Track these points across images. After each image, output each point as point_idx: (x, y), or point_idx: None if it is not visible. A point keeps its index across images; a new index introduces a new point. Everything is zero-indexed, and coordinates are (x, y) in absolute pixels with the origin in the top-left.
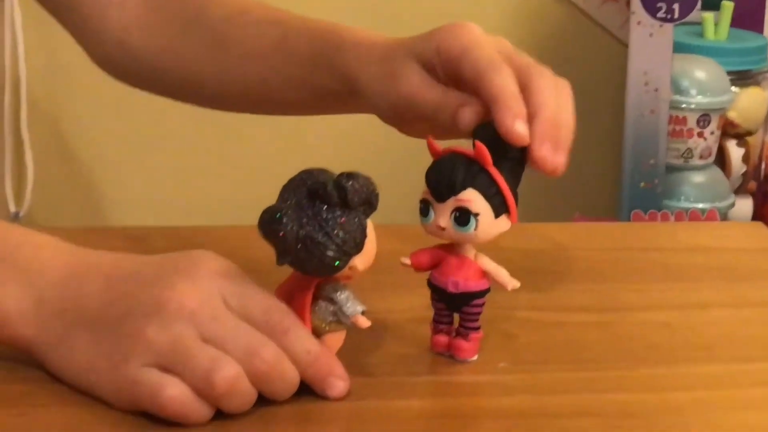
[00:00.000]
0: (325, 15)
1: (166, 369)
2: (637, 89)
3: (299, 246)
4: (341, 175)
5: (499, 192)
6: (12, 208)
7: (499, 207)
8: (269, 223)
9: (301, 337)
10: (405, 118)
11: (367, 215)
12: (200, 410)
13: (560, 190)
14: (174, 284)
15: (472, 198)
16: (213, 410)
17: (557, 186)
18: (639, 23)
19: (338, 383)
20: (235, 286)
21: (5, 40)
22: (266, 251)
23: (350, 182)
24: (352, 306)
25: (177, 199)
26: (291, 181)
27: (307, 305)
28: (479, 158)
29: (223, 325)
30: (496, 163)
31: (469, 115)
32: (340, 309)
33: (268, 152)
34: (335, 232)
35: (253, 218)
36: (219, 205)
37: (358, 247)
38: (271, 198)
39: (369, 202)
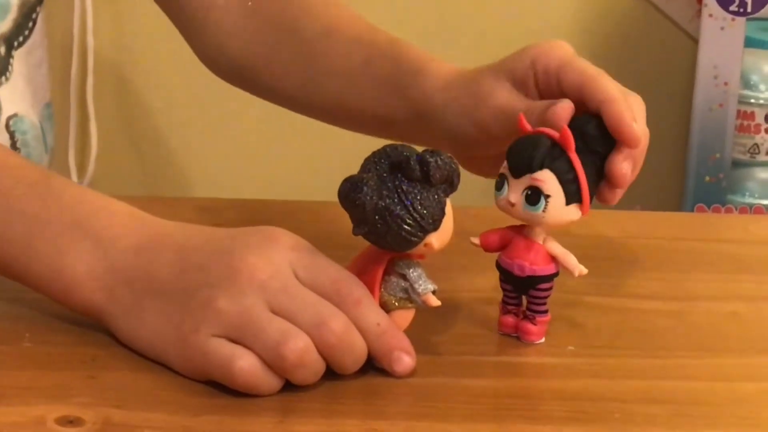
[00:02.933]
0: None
1: (235, 340)
2: (706, 82)
3: (377, 217)
4: (425, 151)
5: (575, 179)
6: (74, 179)
7: (573, 195)
8: (350, 191)
9: (372, 309)
10: (491, 133)
11: (447, 194)
12: (270, 381)
13: None
14: (245, 257)
15: (547, 179)
16: (282, 381)
17: None
18: (711, 16)
19: (405, 358)
20: (306, 258)
21: (75, 13)
22: (334, 226)
23: (434, 158)
24: (424, 284)
25: (243, 172)
26: (374, 153)
27: (378, 279)
28: (563, 142)
29: (293, 297)
30: (580, 155)
31: (560, 112)
32: (412, 286)
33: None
34: (414, 206)
35: (321, 194)
36: (283, 180)
37: (436, 224)
38: (340, 173)
39: (450, 181)
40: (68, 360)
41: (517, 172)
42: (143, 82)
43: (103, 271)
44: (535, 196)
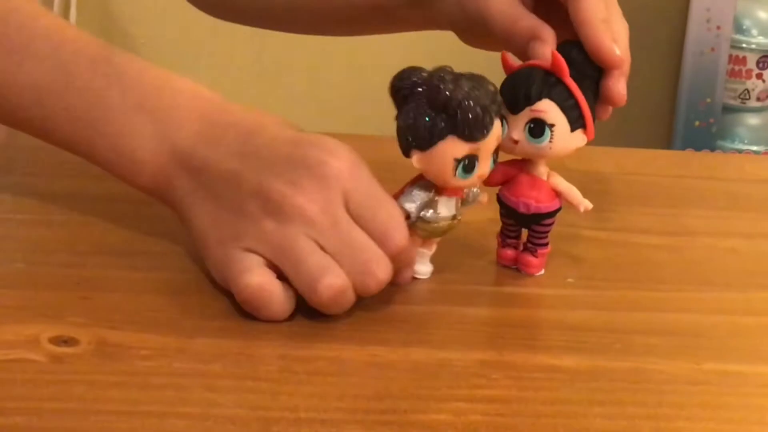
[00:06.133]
0: None
1: (273, 264)
2: (698, 26)
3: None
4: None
5: (576, 105)
6: None
7: (576, 120)
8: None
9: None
10: (476, 32)
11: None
12: (283, 304)
13: (610, 127)
14: (300, 182)
15: (548, 108)
16: (292, 309)
17: (606, 123)
18: None
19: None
20: (360, 192)
21: None
22: None
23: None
24: (426, 212)
25: None
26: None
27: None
28: (556, 69)
29: (341, 235)
30: (574, 80)
31: (542, 50)
32: (420, 208)
33: (324, 65)
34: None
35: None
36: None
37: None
38: (341, 111)
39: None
40: (62, 281)
41: (515, 107)
42: (128, 18)
43: (166, 157)
44: (538, 128)
